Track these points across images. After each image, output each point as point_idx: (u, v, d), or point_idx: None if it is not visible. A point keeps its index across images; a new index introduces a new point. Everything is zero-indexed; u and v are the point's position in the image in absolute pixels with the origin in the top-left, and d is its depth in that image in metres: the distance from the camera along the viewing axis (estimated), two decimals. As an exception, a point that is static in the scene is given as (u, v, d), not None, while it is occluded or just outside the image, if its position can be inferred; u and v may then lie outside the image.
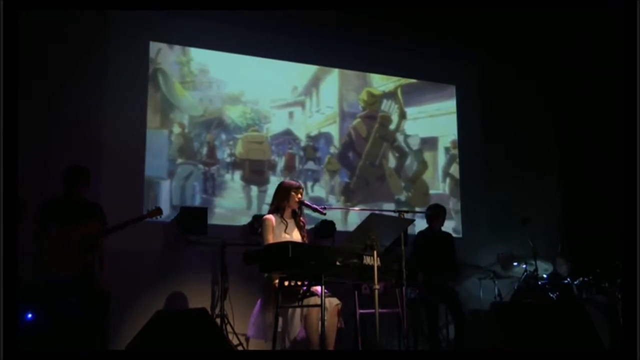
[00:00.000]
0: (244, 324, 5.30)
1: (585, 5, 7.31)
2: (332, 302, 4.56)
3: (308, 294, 4.41)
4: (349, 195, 7.88)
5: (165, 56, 7.20)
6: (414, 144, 8.39)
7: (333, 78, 8.06)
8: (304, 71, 7.92)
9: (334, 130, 7.97)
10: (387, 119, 8.28)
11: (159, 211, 5.69)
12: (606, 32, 7.81)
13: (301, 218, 5.00)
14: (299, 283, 4.37)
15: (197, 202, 7.05)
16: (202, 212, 6.70)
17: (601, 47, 8.31)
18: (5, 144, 3.64)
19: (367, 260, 4.22)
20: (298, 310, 4.50)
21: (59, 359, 4.20)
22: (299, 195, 4.92)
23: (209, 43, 7.40)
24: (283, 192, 4.94)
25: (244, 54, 7.57)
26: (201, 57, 7.37)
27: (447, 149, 8.59)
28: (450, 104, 8.70)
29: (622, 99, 4.59)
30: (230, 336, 6.13)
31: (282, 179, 6.63)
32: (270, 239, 4.71)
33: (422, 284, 6.44)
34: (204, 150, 7.20)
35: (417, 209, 7.91)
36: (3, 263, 3.49)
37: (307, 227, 5.14)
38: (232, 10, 7.04)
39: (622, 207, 4.47)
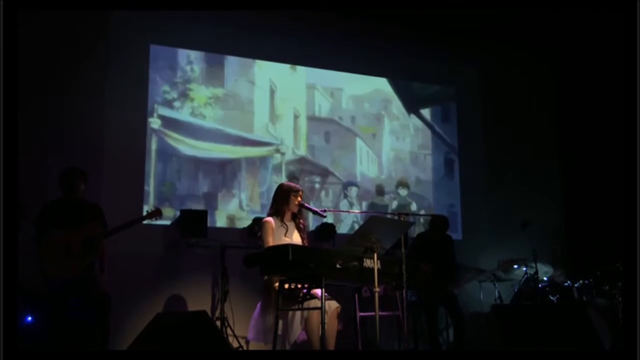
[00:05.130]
0: (244, 327, 5.29)
1: (586, 6, 7.32)
2: (332, 306, 4.54)
3: (308, 296, 4.40)
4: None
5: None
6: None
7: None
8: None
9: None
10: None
11: (158, 212, 5.69)
12: (607, 35, 7.83)
13: (301, 220, 4.98)
14: (299, 286, 4.36)
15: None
16: (202, 215, 6.70)
17: (602, 50, 8.32)
18: (6, 146, 3.64)
19: (367, 263, 4.21)
20: (298, 313, 4.48)
21: (59, 359, 4.19)
22: (299, 198, 4.89)
23: (209, 46, 7.43)
24: (282, 194, 4.91)
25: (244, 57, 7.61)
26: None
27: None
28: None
29: (623, 102, 4.60)
30: (231, 339, 6.13)
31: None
32: (271, 241, 4.68)
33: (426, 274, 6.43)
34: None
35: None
36: (3, 266, 3.49)
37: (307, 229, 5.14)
38: (234, 13, 7.08)
39: (623, 210, 4.48)
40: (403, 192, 8.23)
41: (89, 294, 5.20)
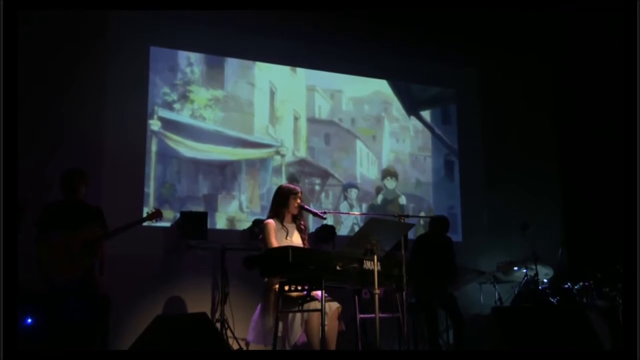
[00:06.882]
0: (244, 329, 5.29)
1: (586, 7, 7.32)
2: (333, 306, 4.54)
3: (308, 298, 4.39)
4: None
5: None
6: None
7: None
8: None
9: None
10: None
11: (159, 213, 5.69)
12: (607, 36, 7.83)
13: (302, 222, 4.97)
14: (299, 288, 4.36)
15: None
16: (202, 217, 6.69)
17: (602, 50, 8.32)
18: (6, 147, 3.64)
19: (368, 264, 4.21)
20: (298, 315, 4.48)
21: (58, 359, 4.19)
22: (298, 200, 4.89)
23: (209, 48, 7.44)
24: (282, 197, 4.91)
25: (244, 59, 7.62)
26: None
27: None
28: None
29: (623, 103, 4.60)
30: (231, 341, 6.12)
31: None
32: (274, 242, 4.67)
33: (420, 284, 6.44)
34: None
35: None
36: (3, 266, 3.48)
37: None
38: (234, 15, 7.09)
39: (623, 212, 4.47)
40: (391, 183, 8.19)
41: (89, 296, 5.21)
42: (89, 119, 6.53)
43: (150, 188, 6.93)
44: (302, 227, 4.94)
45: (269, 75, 7.76)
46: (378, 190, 8.11)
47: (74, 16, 6.50)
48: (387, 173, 8.21)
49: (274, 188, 5.38)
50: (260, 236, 4.87)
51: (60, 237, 5.20)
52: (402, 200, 8.19)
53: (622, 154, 4.62)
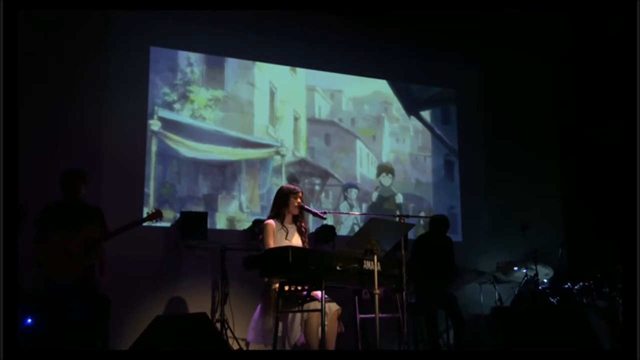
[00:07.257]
0: (244, 329, 5.29)
1: (586, 7, 7.33)
2: (332, 308, 4.54)
3: (308, 298, 4.39)
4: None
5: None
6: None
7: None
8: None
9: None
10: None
11: (159, 214, 5.69)
12: (607, 36, 7.83)
13: (302, 223, 4.97)
14: (299, 288, 4.35)
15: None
16: (202, 217, 6.69)
17: (602, 50, 8.32)
18: (6, 148, 3.64)
19: (367, 265, 4.21)
20: (298, 315, 4.48)
21: (58, 359, 4.19)
22: (299, 200, 4.89)
23: (209, 48, 7.44)
24: (282, 197, 4.91)
25: (244, 59, 7.62)
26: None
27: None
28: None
29: (623, 103, 4.59)
30: (231, 341, 6.12)
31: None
32: (272, 243, 4.68)
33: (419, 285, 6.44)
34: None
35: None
36: (3, 267, 3.48)
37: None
38: (234, 15, 7.09)
39: (623, 212, 4.47)
40: (386, 180, 8.17)
41: (89, 296, 5.20)
42: (89, 119, 6.53)
43: (150, 188, 6.93)
44: (303, 229, 4.94)
45: (269, 75, 7.77)
46: (376, 188, 8.11)
47: (74, 16, 6.50)
48: (383, 169, 8.20)
49: (274, 188, 5.40)
50: (260, 236, 4.88)
51: (61, 238, 5.20)
52: (399, 198, 8.18)
53: (622, 154, 4.61)
